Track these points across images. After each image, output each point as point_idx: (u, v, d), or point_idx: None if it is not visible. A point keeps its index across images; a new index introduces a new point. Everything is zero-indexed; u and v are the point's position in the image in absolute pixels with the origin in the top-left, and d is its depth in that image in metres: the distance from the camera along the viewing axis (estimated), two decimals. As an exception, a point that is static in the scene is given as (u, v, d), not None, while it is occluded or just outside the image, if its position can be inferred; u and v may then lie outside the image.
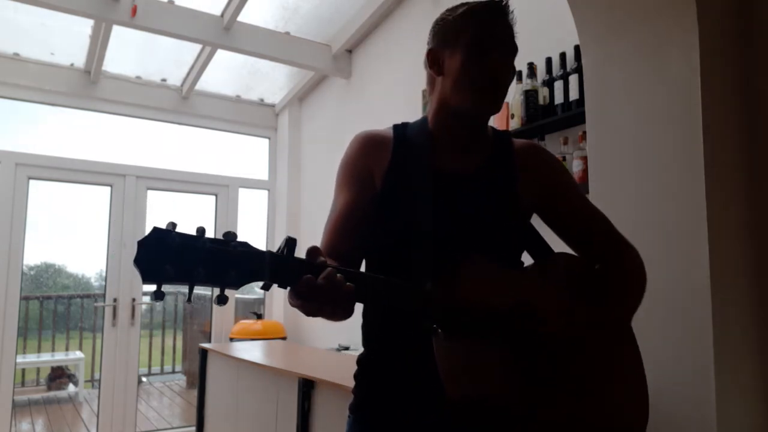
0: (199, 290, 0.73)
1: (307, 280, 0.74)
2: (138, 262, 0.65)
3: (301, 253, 0.75)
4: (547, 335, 0.94)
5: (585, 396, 0.95)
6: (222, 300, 0.70)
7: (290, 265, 0.74)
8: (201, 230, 0.69)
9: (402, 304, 0.86)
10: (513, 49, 1.06)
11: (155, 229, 0.66)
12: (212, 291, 0.75)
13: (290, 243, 0.74)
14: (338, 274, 0.75)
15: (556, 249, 1.12)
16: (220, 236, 0.71)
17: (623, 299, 1.06)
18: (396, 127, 1.11)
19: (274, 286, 0.74)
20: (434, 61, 1.07)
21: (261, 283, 0.73)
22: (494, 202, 1.04)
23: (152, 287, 0.67)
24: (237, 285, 0.70)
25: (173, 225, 0.67)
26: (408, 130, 1.10)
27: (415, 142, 1.07)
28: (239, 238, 0.71)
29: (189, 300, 0.73)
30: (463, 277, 0.91)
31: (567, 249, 1.12)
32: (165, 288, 0.68)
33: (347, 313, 0.79)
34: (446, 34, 1.06)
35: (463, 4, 1.06)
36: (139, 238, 0.65)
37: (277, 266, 0.73)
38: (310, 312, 0.77)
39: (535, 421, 0.91)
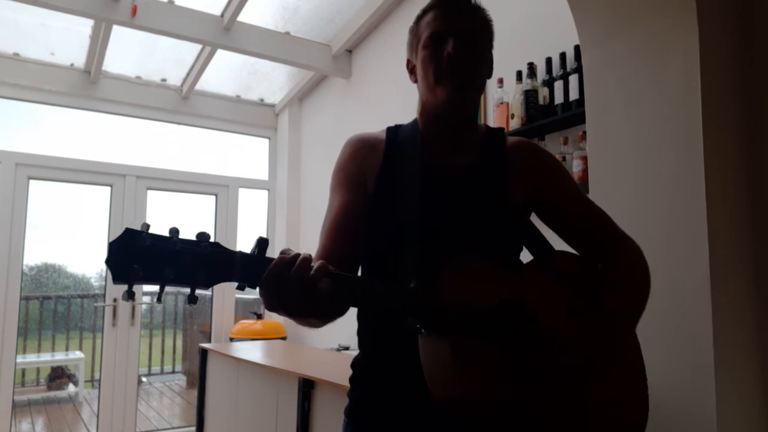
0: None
1: (273, 267, 0.72)
2: (108, 262, 0.66)
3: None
4: (539, 333, 0.93)
5: (580, 394, 0.94)
6: (192, 300, 0.71)
7: (260, 264, 0.73)
8: (173, 231, 0.70)
9: (381, 304, 0.85)
10: (469, 36, 1.03)
11: (127, 230, 0.68)
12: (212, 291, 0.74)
13: (262, 243, 0.74)
14: (314, 265, 0.73)
15: (558, 248, 1.11)
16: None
17: (625, 294, 1.03)
18: (389, 129, 1.12)
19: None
20: (411, 70, 1.12)
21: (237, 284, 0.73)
22: (486, 201, 1.03)
23: (125, 287, 0.68)
24: (207, 285, 0.71)
25: (146, 226, 0.68)
26: (400, 132, 1.10)
27: (406, 144, 1.07)
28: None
29: (159, 300, 0.74)
30: (450, 275, 0.90)
31: (567, 248, 1.12)
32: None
33: (321, 309, 0.75)
34: (411, 41, 1.11)
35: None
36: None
37: (247, 266, 0.72)
38: (288, 306, 0.74)
39: (527, 420, 0.90)
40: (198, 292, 0.71)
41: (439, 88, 1.02)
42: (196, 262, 0.70)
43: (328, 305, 0.76)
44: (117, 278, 0.66)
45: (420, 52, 1.05)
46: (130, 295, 0.69)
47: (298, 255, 0.74)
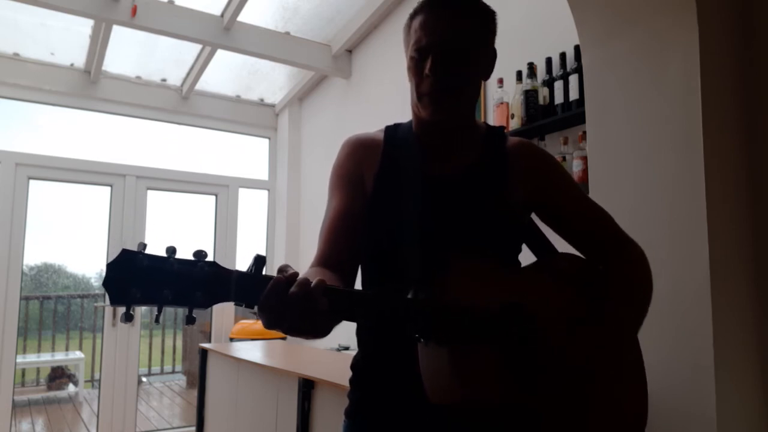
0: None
1: (271, 287, 0.71)
2: (106, 284, 0.66)
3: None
4: (540, 335, 0.92)
5: (581, 394, 0.94)
6: (191, 320, 0.70)
7: (258, 284, 0.72)
8: (170, 250, 0.69)
9: (380, 317, 0.83)
10: (457, 44, 0.97)
11: (123, 251, 0.67)
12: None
13: (258, 262, 0.73)
14: (312, 284, 0.72)
15: (560, 249, 1.11)
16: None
17: (628, 298, 1.03)
18: (387, 128, 1.11)
19: None
20: (407, 69, 1.07)
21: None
22: (484, 202, 1.02)
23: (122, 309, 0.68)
24: (204, 306, 0.70)
25: (143, 246, 0.67)
26: (398, 132, 1.09)
27: (404, 144, 1.07)
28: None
29: (157, 320, 0.72)
30: (450, 279, 0.89)
31: (570, 248, 1.12)
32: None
33: (320, 326, 0.74)
34: (405, 41, 1.08)
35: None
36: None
37: (244, 286, 0.71)
38: (288, 326, 0.73)
39: (527, 420, 0.90)
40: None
41: (422, 103, 1.01)
42: (194, 283, 0.69)
43: (326, 322, 0.75)
44: (115, 301, 0.66)
45: (408, 59, 1.04)
46: (128, 318, 0.68)
47: (295, 274, 0.73)
